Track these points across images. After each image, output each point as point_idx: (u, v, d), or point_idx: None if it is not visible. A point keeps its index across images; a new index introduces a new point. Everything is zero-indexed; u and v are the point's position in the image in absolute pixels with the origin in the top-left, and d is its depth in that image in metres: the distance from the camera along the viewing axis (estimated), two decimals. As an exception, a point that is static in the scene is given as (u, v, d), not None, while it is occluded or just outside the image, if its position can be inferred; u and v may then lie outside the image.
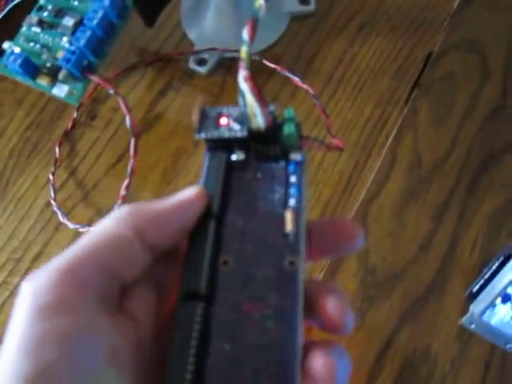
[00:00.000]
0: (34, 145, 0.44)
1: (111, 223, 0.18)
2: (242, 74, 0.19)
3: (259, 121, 0.19)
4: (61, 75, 0.35)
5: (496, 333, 0.34)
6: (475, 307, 0.35)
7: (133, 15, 0.38)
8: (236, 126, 0.20)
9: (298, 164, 0.20)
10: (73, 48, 0.33)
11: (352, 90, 0.43)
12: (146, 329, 0.18)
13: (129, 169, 0.37)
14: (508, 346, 0.34)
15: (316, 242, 0.20)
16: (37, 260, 0.40)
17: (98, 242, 0.17)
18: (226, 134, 0.20)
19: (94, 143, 0.43)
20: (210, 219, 0.19)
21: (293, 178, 0.20)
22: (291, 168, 0.20)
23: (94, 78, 0.35)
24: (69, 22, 0.36)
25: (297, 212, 0.19)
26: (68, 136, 0.44)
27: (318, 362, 0.17)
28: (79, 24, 0.35)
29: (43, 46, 0.36)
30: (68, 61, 0.33)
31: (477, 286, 0.35)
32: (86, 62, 0.34)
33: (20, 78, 0.36)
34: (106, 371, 0.16)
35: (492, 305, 0.34)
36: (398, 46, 0.44)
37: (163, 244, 0.19)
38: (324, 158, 0.41)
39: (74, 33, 0.35)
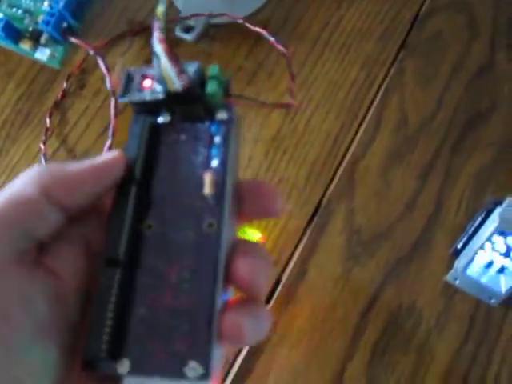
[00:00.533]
0: (25, 116, 0.45)
1: (19, 183, 0.18)
2: (156, 36, 0.19)
3: (175, 83, 0.19)
4: (42, 39, 0.35)
5: (480, 287, 0.34)
6: (459, 263, 0.35)
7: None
8: (158, 88, 0.19)
9: (225, 123, 0.20)
10: (52, 11, 0.34)
11: (338, 51, 0.42)
12: (69, 286, 0.18)
13: (110, 130, 0.37)
14: (492, 301, 0.34)
15: (242, 202, 0.20)
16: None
17: (5, 202, 0.18)
18: (147, 97, 0.19)
19: (83, 112, 0.44)
20: (131, 184, 0.19)
21: (217, 139, 0.20)
22: (214, 128, 0.20)
23: (75, 40, 0.35)
24: (49, -15, 0.36)
25: (218, 174, 0.19)
26: (58, 106, 0.44)
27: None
28: (59, -13, 0.35)
29: (25, 11, 0.36)
30: (47, 23, 0.34)
31: (461, 243, 0.35)
32: (66, 25, 0.35)
33: (3, 43, 0.37)
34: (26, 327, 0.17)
35: (475, 259, 0.34)
36: (384, 7, 0.44)
37: (76, 205, 0.19)
38: (310, 119, 0.41)
39: (54, -4, 0.35)
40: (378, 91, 0.41)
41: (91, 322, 0.18)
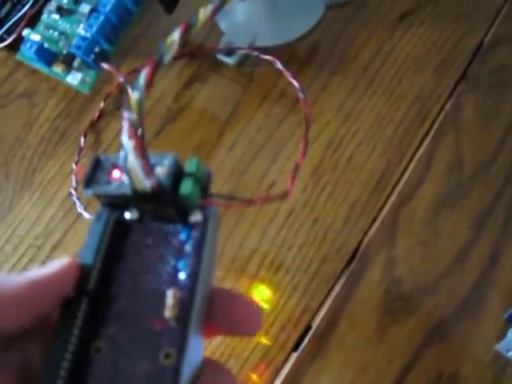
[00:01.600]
0: (61, 133, 0.44)
1: None
2: (126, 129, 0.16)
3: (143, 182, 0.16)
4: (75, 63, 0.34)
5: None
6: (514, 332, 0.30)
7: (153, 2, 0.37)
8: (127, 182, 0.17)
9: (198, 226, 0.17)
10: (86, 35, 0.33)
11: (389, 82, 0.39)
12: None
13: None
14: (551, 380, 0.30)
15: (212, 316, 0.17)
16: (56, 249, 0.40)
17: None
18: (113, 191, 0.17)
19: (118, 133, 0.43)
20: (82, 297, 0.16)
21: (187, 247, 0.17)
22: (184, 234, 0.17)
23: (106, 66, 0.34)
24: (85, 8, 0.35)
25: (183, 291, 0.16)
26: (94, 126, 0.43)
27: None
28: (94, 11, 0.34)
29: (61, 33, 0.35)
30: (79, 48, 0.33)
31: (517, 308, 0.31)
32: (98, 49, 0.33)
33: (36, 66, 0.36)
34: None
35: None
36: (444, 35, 0.40)
37: (9, 329, 0.16)
38: (353, 155, 0.38)
39: (88, 19, 0.34)
40: (430, 128, 0.37)
41: None
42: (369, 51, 0.40)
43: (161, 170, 0.16)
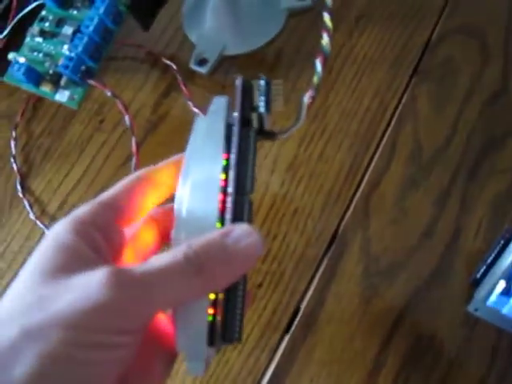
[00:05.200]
0: (45, 150, 0.46)
1: None
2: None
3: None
4: (62, 81, 0.36)
5: (502, 317, 0.34)
6: (479, 293, 0.34)
7: (131, 20, 0.39)
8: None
9: None
10: (71, 54, 0.35)
11: (351, 80, 0.43)
12: None
13: (132, 165, 0.38)
14: (515, 330, 0.34)
15: None
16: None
17: None
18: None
19: (101, 146, 0.45)
20: None
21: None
22: None
23: (93, 83, 0.36)
24: (68, 30, 0.38)
25: None
26: (77, 140, 0.45)
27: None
28: (77, 32, 0.37)
29: (46, 54, 0.38)
30: (66, 67, 0.35)
31: (480, 272, 0.35)
32: (84, 68, 0.36)
33: (24, 86, 0.38)
34: None
35: (495, 289, 0.33)
36: (395, 34, 0.44)
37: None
38: (324, 149, 0.41)
39: (72, 40, 0.37)
40: (391, 119, 0.41)
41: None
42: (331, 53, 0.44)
43: None
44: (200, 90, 0.45)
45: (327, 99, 0.42)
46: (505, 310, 0.33)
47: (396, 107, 0.42)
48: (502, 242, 0.33)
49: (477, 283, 0.35)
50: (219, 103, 0.23)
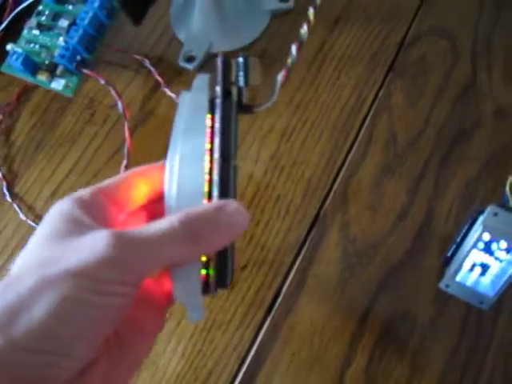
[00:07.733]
0: (38, 142, 0.48)
1: None
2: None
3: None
4: (58, 71, 0.38)
5: (470, 293, 0.36)
6: (449, 270, 0.37)
7: (123, 16, 0.42)
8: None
9: None
10: (67, 45, 0.37)
11: (330, 76, 0.45)
12: None
13: (125, 150, 0.40)
14: (483, 305, 0.36)
15: None
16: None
17: None
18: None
19: (92, 138, 0.47)
20: None
21: None
22: None
23: (88, 72, 0.38)
24: (64, 23, 0.40)
25: None
26: (69, 132, 0.47)
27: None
28: (73, 25, 0.39)
29: (42, 46, 0.40)
30: (63, 56, 0.37)
31: (450, 251, 0.37)
32: (79, 58, 0.38)
33: (21, 75, 0.40)
34: None
35: (463, 266, 0.36)
36: (372, 34, 0.47)
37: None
38: (305, 140, 0.43)
39: (68, 32, 0.39)
40: (368, 113, 0.44)
41: None
42: (311, 50, 0.47)
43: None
44: (187, 86, 0.47)
45: (308, 93, 0.45)
46: (473, 285, 0.35)
47: (373, 101, 0.44)
48: (470, 221, 0.36)
49: (448, 261, 0.37)
50: (202, 79, 0.25)
